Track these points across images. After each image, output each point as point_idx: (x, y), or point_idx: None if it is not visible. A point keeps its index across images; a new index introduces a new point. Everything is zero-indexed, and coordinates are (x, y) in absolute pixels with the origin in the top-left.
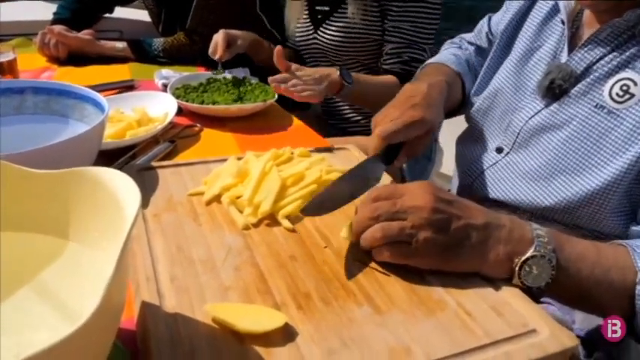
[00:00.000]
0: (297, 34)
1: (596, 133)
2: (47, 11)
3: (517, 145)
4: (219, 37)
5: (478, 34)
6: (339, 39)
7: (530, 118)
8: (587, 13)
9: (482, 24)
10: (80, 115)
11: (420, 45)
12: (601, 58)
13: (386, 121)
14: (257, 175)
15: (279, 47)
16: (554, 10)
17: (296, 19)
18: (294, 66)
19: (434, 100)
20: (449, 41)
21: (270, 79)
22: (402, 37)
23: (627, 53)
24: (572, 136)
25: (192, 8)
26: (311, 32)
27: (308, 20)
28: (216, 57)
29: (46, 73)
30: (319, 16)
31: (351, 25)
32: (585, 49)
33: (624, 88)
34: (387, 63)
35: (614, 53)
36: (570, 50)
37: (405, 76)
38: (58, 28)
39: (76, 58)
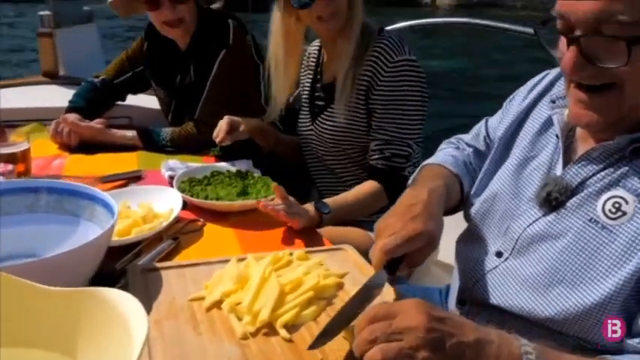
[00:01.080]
0: (300, 123)
1: (590, 247)
2: (63, 97)
3: (516, 251)
4: (223, 122)
5: (476, 137)
6: (330, 133)
7: (528, 226)
8: (579, 129)
9: (480, 127)
10: (90, 215)
11: (402, 141)
12: (594, 174)
13: (387, 233)
14: (257, 282)
15: (275, 185)
16: (549, 122)
17: (282, 96)
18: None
19: (434, 207)
20: (446, 141)
21: (262, 205)
22: (384, 135)
23: (619, 172)
24: (568, 248)
25: (202, 100)
26: (309, 124)
27: (307, 111)
28: (217, 140)
29: (57, 161)
30: (316, 110)
31: (340, 120)
32: (579, 164)
33: (616, 205)
34: (372, 159)
35: (607, 171)
36: (565, 163)
37: (387, 172)
38: (71, 117)
39: (87, 144)
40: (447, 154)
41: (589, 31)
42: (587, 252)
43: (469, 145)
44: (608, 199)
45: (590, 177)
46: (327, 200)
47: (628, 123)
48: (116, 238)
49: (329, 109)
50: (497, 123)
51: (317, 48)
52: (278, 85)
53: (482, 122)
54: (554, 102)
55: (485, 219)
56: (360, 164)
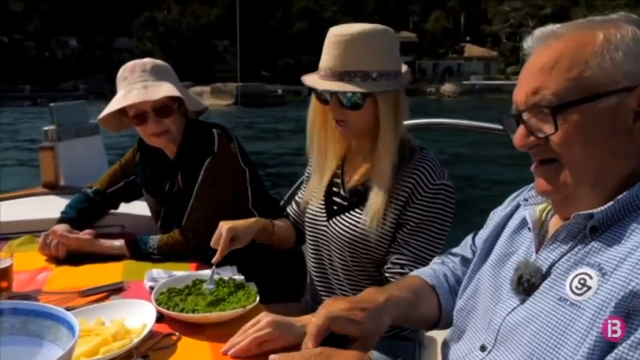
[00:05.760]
0: (309, 216)
1: (561, 325)
2: (60, 208)
3: (498, 342)
4: (223, 236)
5: (464, 246)
6: (349, 237)
7: (507, 314)
8: (553, 220)
9: (468, 238)
10: (54, 336)
11: (423, 260)
12: (562, 256)
13: (336, 307)
14: None
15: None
16: (524, 221)
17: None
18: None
19: (383, 312)
20: (436, 257)
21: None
22: (409, 251)
23: (582, 251)
24: (541, 330)
25: (189, 208)
26: (323, 219)
27: (323, 207)
28: (213, 260)
29: (41, 275)
30: (335, 207)
31: (366, 229)
32: (549, 248)
33: (582, 281)
34: (389, 271)
35: (573, 251)
36: (537, 250)
37: None
38: (60, 229)
39: (75, 255)
40: (428, 267)
41: (526, 108)
42: (558, 331)
43: (456, 255)
44: (575, 276)
45: (559, 259)
46: None
47: (585, 201)
48: None
49: (353, 214)
50: (482, 232)
51: None
52: (314, 166)
53: (471, 235)
54: (526, 200)
55: (469, 315)
56: (366, 270)
